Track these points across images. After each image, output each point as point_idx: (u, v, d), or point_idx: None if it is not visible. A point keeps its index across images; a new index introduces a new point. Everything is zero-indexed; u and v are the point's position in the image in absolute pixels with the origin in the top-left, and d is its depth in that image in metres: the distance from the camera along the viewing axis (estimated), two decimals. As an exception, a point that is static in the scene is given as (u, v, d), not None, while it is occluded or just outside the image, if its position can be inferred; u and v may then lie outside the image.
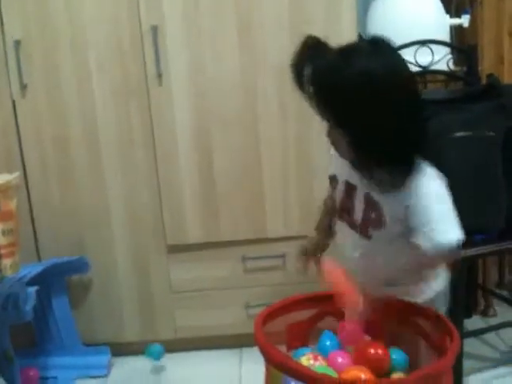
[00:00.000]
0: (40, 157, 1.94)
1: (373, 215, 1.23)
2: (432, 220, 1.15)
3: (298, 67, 1.18)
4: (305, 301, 1.32)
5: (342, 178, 1.32)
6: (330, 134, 1.20)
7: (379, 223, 1.23)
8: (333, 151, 1.32)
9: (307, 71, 1.14)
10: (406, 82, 1.14)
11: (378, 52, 1.13)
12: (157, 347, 2.03)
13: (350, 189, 1.29)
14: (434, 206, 1.15)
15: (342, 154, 1.23)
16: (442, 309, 1.32)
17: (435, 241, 1.14)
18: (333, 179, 1.37)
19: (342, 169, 1.29)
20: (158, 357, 2.03)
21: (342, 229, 1.36)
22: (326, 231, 1.46)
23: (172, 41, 1.85)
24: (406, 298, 1.26)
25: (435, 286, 1.30)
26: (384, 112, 1.08)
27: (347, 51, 1.13)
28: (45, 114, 1.91)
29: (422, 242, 1.16)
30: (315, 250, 1.44)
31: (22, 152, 1.93)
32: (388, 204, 1.20)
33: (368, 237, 1.27)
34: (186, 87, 1.88)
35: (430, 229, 1.15)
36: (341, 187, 1.32)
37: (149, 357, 2.03)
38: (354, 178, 1.26)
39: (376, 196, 1.22)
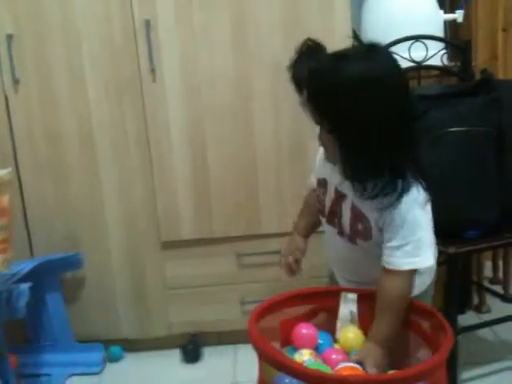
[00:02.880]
0: (33, 152, 1.92)
1: (359, 226, 1.23)
2: (400, 240, 1.16)
3: (294, 69, 1.19)
4: (299, 297, 1.32)
5: (331, 183, 1.30)
6: (321, 138, 1.19)
7: (367, 235, 1.23)
8: (320, 155, 1.32)
9: (303, 74, 1.14)
10: (398, 88, 1.12)
11: (372, 57, 1.12)
12: (115, 348, 2.07)
13: (339, 196, 1.28)
14: (409, 230, 1.16)
15: (332, 160, 1.22)
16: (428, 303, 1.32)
17: (394, 258, 1.17)
18: (321, 183, 1.34)
19: (332, 174, 1.28)
20: (118, 358, 2.07)
21: (328, 232, 1.35)
22: (304, 233, 1.45)
23: (165, 36, 1.84)
24: None
25: (420, 283, 1.28)
26: (375, 117, 1.07)
27: (342, 55, 1.13)
28: (37, 109, 1.89)
29: (385, 256, 1.19)
30: (293, 252, 1.44)
31: (15, 147, 1.92)
32: (373, 215, 1.20)
33: (355, 244, 1.27)
34: (180, 82, 1.87)
35: (394, 246, 1.17)
36: (330, 192, 1.30)
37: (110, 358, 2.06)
38: (343, 185, 1.25)
39: (362, 207, 1.21)
